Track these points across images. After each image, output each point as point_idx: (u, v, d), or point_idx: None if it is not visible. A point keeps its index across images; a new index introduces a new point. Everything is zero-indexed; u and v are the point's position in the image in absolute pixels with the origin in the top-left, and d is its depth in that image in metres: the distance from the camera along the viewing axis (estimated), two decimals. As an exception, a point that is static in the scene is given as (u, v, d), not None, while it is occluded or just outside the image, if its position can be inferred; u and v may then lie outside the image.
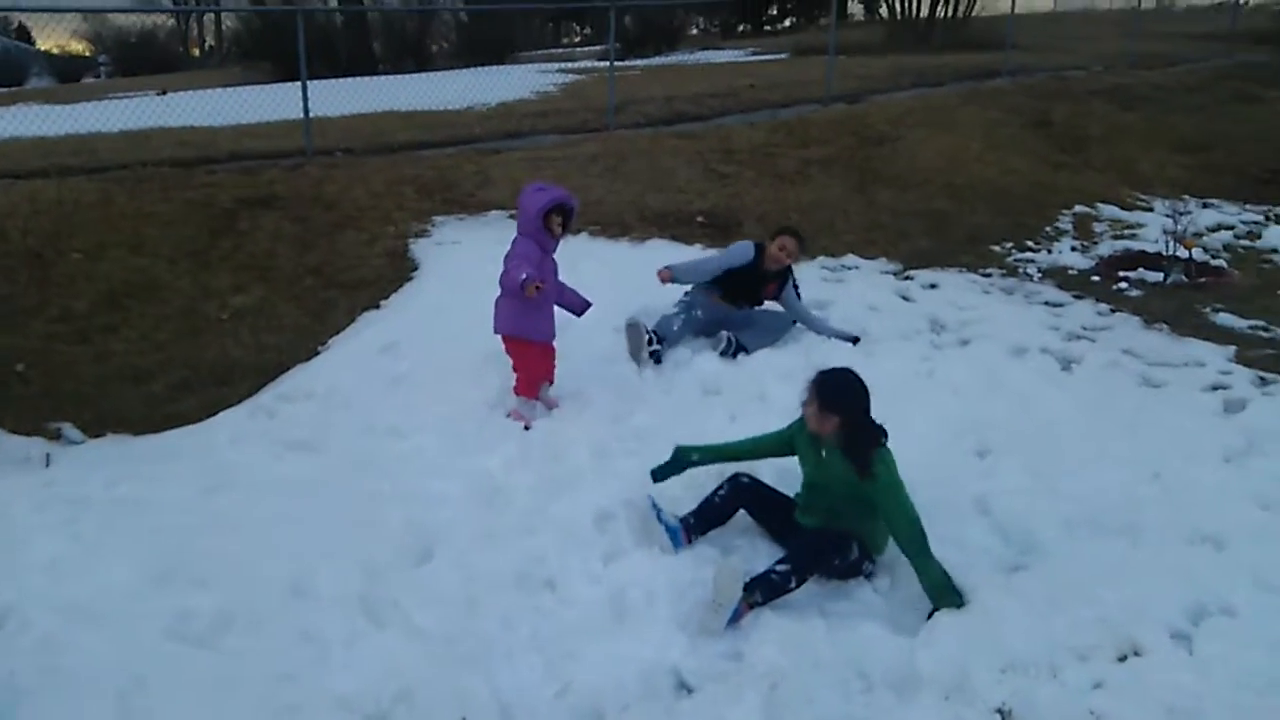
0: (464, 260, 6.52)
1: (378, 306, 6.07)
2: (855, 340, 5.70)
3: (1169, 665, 2.97)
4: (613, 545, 3.58)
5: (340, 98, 12.07)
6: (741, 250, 5.67)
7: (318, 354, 5.56)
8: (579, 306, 4.97)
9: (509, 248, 4.71)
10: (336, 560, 3.45)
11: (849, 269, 7.26)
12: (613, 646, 3.01)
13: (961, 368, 5.32)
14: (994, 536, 3.65)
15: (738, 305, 5.75)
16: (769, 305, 5.84)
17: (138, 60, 30.82)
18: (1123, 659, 3.04)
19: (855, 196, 8.92)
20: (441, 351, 5.22)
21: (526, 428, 4.52)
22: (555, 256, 4.84)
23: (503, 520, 3.72)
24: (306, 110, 9.21)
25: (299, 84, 9.27)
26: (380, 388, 4.94)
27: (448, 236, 7.19)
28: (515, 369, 4.75)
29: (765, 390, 5.02)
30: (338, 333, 5.78)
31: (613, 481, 3.99)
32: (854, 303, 6.43)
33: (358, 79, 17.19)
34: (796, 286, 5.83)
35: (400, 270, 6.60)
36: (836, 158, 9.93)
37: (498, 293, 4.72)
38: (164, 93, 16.08)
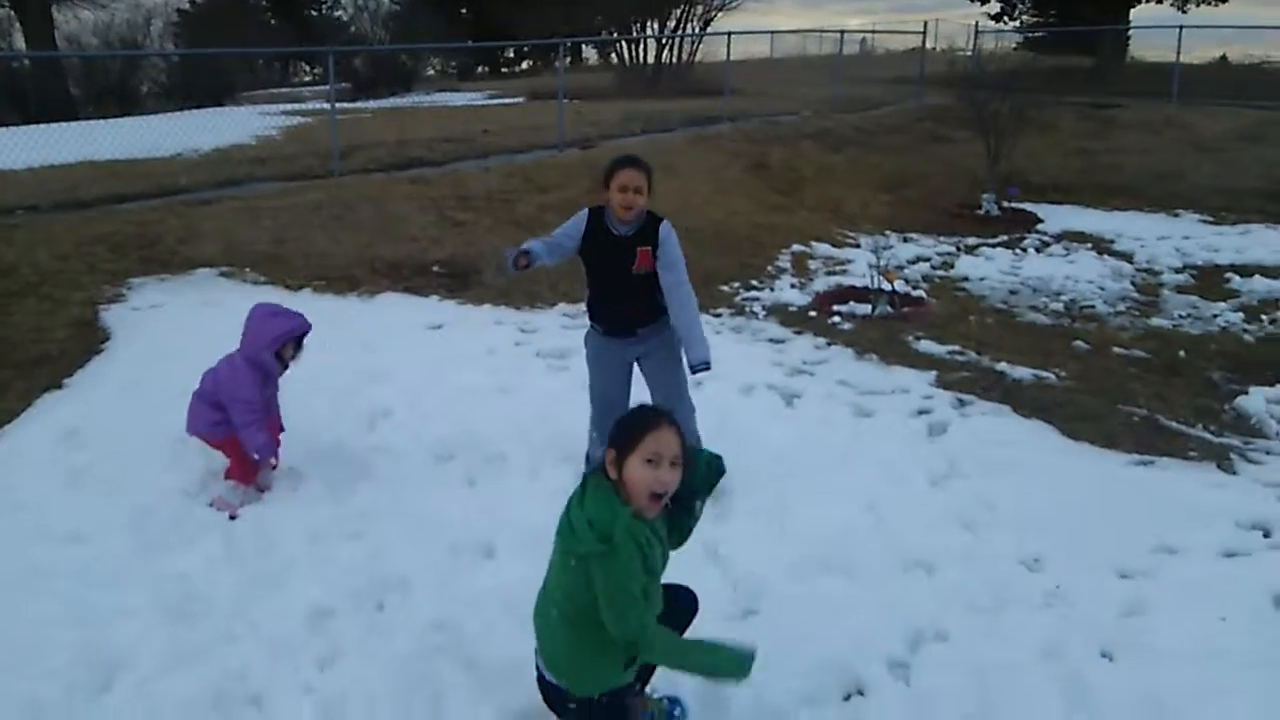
0: (165, 326, 5.94)
1: (59, 386, 5.36)
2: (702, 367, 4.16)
3: (888, 701, 3.06)
4: (330, 646, 3.25)
5: (27, 148, 10.85)
6: (576, 219, 4.21)
7: (-17, 447, 4.80)
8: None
9: (223, 365, 4.25)
10: (-12, 704, 2.91)
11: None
12: (326, 765, 2.71)
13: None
14: (724, 585, 3.67)
15: (626, 328, 4.29)
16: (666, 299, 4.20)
17: None
18: (847, 698, 3.11)
19: (591, 241, 9.01)
20: (133, 434, 4.65)
21: (232, 517, 4.08)
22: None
23: (198, 632, 3.28)
24: (-26, 164, 8.15)
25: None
26: (58, 483, 4.31)
27: (146, 300, 6.52)
28: (227, 455, 4.30)
29: (504, 450, 4.86)
30: (10, 420, 5.03)
31: (331, 571, 3.66)
32: (592, 350, 6.43)
33: (51, 125, 15.53)
34: (677, 250, 4.18)
35: (88, 342, 5.89)
36: (573, 202, 9.98)
37: (195, 385, 4.28)
38: None
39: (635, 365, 4.42)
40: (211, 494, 4.21)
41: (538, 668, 2.66)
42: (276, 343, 4.19)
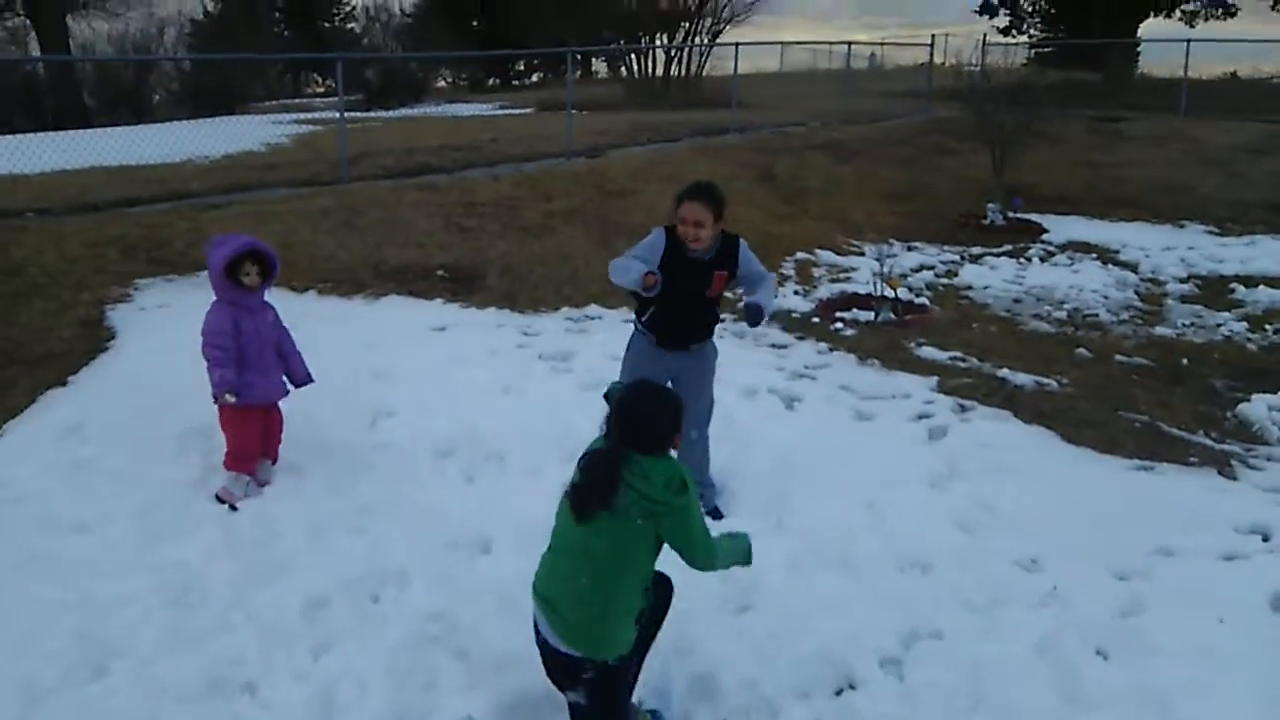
0: (170, 326, 5.96)
1: (64, 383, 5.40)
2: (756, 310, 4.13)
3: (880, 695, 3.07)
4: (325, 635, 3.28)
5: (40, 153, 10.95)
6: (653, 239, 4.19)
7: (-11, 442, 4.84)
8: (298, 378, 4.60)
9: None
10: (-13, 687, 2.94)
11: (592, 319, 7.31)
12: (317, 750, 2.73)
13: (695, 413, 5.42)
14: (720, 579, 3.65)
15: (681, 343, 4.35)
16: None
17: None
18: (839, 692, 3.12)
19: (597, 248, 9.04)
20: (136, 430, 4.69)
21: (233, 508, 4.12)
22: (272, 306, 4.50)
23: (195, 619, 3.32)
24: (-14, 166, 8.24)
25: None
26: (61, 476, 4.35)
27: (153, 300, 6.57)
28: (226, 438, 4.33)
29: (504, 449, 4.88)
30: (14, 416, 5.07)
31: (330, 563, 3.69)
32: (596, 353, 6.45)
33: (65, 133, 15.69)
34: (755, 264, 4.29)
35: (94, 341, 5.93)
36: (579, 210, 10.06)
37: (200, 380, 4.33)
38: None
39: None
40: (213, 487, 4.24)
41: (546, 644, 2.73)
42: (221, 265, 4.20)
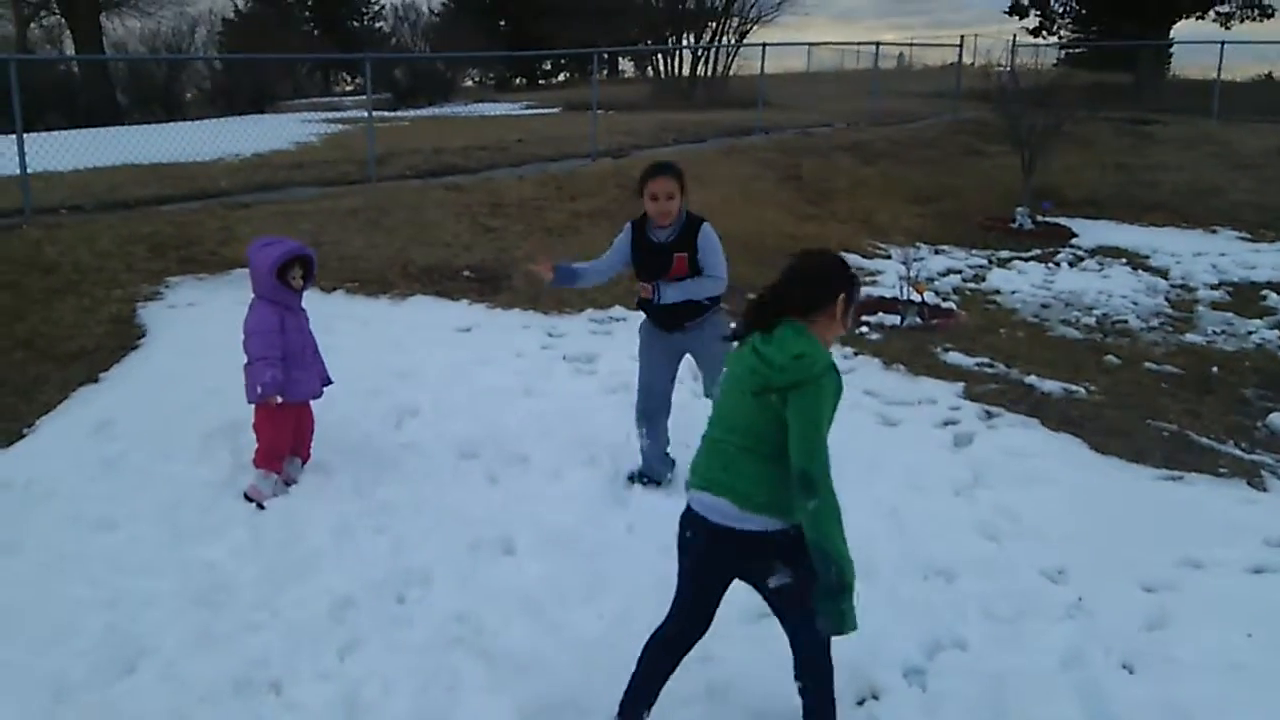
0: (199, 324, 6.05)
1: (96, 380, 5.48)
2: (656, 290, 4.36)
3: (902, 706, 3.06)
4: (350, 636, 3.30)
5: (74, 151, 11.09)
6: (622, 234, 4.51)
7: (22, 438, 4.92)
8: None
9: (246, 312, 4.39)
10: (17, 682, 2.99)
11: (616, 320, 7.32)
12: (340, 751, 2.76)
13: (718, 417, 5.41)
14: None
15: (672, 323, 4.50)
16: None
17: None
18: (861, 702, 3.11)
19: (621, 248, 9.05)
20: (165, 427, 4.75)
21: (260, 507, 4.16)
22: (305, 309, 4.55)
23: (222, 619, 3.35)
24: (23, 165, 8.36)
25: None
26: (91, 473, 4.41)
27: (183, 299, 6.65)
28: (257, 436, 4.38)
29: (526, 451, 4.90)
30: (47, 412, 5.15)
31: (355, 563, 3.72)
32: (620, 354, 6.45)
33: (97, 130, 15.90)
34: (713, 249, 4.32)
35: (124, 338, 6.01)
36: (604, 210, 10.07)
37: (244, 359, 4.37)
38: None
39: (687, 356, 4.69)
40: (240, 486, 4.28)
41: (716, 530, 2.56)
42: (275, 266, 4.25)
